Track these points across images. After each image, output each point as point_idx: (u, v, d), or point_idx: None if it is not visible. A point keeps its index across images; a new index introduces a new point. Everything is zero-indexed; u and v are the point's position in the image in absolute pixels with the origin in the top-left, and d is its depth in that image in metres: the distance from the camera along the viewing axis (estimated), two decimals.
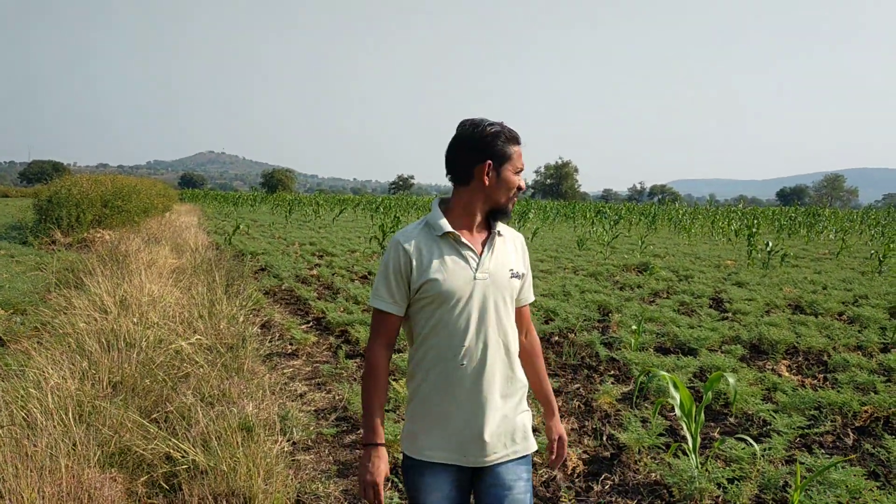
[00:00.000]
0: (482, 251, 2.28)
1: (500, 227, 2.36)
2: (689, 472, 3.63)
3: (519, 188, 2.30)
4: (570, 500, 3.70)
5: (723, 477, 3.65)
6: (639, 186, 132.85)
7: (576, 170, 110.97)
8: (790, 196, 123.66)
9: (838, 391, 5.19)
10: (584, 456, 4.33)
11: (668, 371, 5.66)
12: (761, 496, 3.67)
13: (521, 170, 2.29)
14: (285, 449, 4.20)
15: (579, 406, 5.24)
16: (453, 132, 2.28)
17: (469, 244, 2.26)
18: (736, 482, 3.68)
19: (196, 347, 5.55)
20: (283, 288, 10.65)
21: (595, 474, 4.07)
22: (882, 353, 6.68)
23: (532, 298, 2.47)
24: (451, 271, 2.21)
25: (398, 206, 42.82)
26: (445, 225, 2.26)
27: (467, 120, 2.28)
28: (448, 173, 2.31)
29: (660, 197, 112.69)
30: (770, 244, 14.27)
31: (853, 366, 6.00)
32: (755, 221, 21.13)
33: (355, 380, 5.89)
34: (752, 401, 5.00)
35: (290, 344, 7.14)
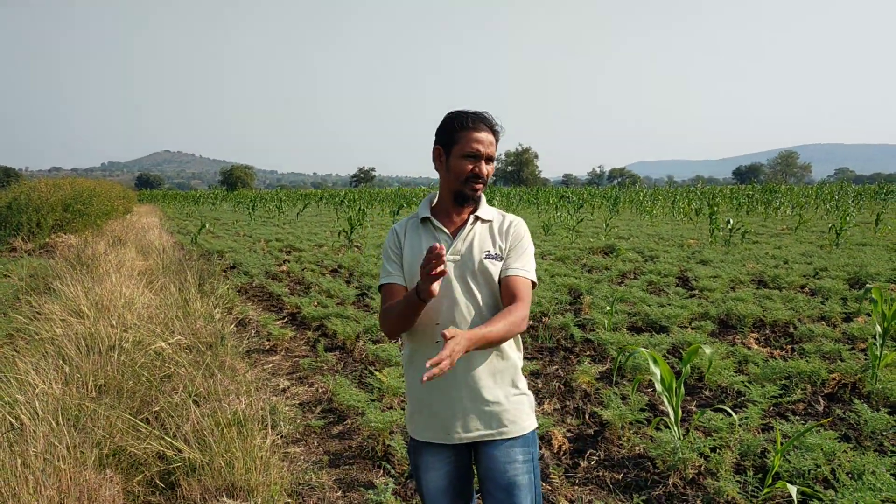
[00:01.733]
0: (456, 233, 2.38)
1: (491, 213, 2.43)
2: (672, 443, 3.76)
3: (476, 174, 2.31)
4: (559, 477, 3.81)
5: (704, 447, 3.79)
6: (598, 170, 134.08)
7: (536, 156, 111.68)
8: (746, 174, 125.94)
9: (807, 360, 5.38)
10: (569, 434, 4.45)
11: (643, 348, 5.80)
12: (742, 463, 3.82)
13: (476, 154, 2.29)
14: (276, 442, 4.24)
15: (559, 387, 5.36)
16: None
17: (443, 228, 2.38)
18: (717, 451, 3.83)
19: (176, 347, 5.55)
20: (254, 285, 10.61)
21: (580, 451, 4.19)
22: (845, 322, 6.92)
23: (522, 272, 2.33)
24: (423, 252, 2.30)
25: (362, 198, 42.70)
26: (423, 211, 2.43)
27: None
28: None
29: (619, 180, 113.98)
30: (731, 222, 14.59)
31: (819, 336, 6.21)
32: (716, 201, 21.57)
33: (337, 372, 5.94)
34: (725, 373, 5.17)
35: (268, 340, 7.15)
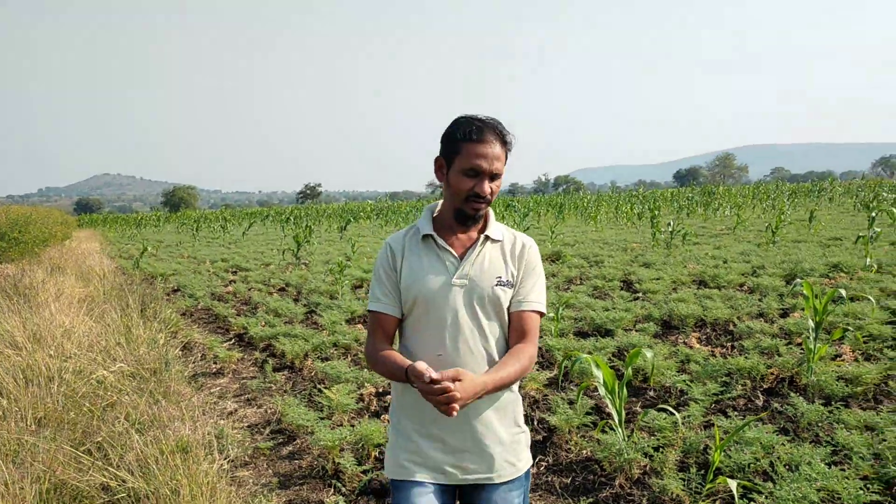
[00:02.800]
0: (464, 255, 2.17)
1: (500, 231, 2.23)
2: (617, 445, 3.83)
3: (477, 194, 2.09)
4: None
5: (648, 446, 3.87)
6: (543, 178, 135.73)
7: None
8: (686, 177, 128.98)
9: (745, 357, 5.54)
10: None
11: (588, 353, 5.89)
12: (685, 460, 3.91)
13: (477, 171, 2.06)
14: (224, 467, 4.19)
15: None
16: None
17: (448, 247, 2.17)
18: (661, 450, 3.92)
19: (119, 375, 5.43)
20: (199, 308, 10.44)
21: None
22: (782, 318, 7.15)
23: (535, 305, 2.18)
24: (426, 274, 2.13)
25: (308, 215, 42.37)
26: (425, 226, 2.19)
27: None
28: None
29: (564, 187, 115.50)
30: (671, 224, 14.93)
31: (757, 332, 6.40)
32: (657, 204, 22.01)
33: (286, 392, 5.89)
34: (668, 373, 5.29)
35: (214, 363, 7.04)
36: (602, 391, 3.82)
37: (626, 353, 6.14)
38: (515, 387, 2.22)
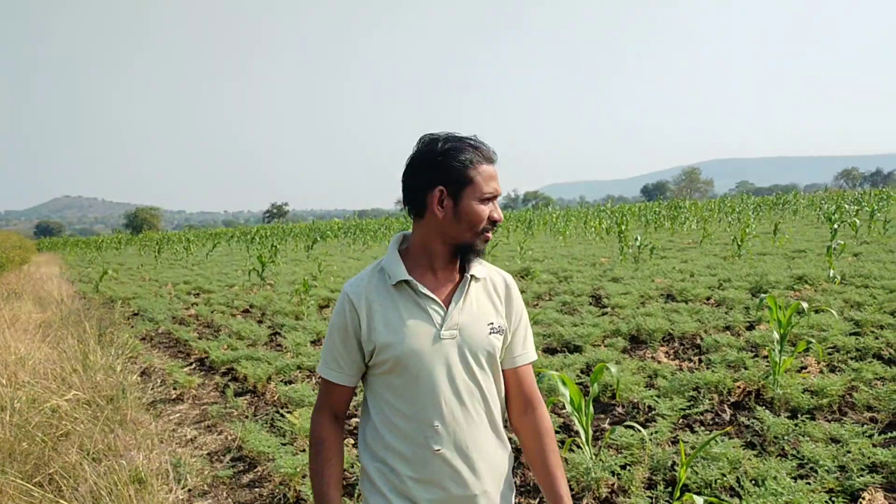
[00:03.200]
0: (449, 301, 1.85)
1: (477, 267, 1.90)
2: (585, 464, 3.77)
3: (492, 221, 1.82)
4: None
5: (616, 464, 3.81)
6: (513, 194, 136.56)
7: None
8: (653, 191, 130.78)
9: (712, 371, 5.53)
10: None
11: (556, 369, 5.84)
12: (653, 478, 3.86)
13: (493, 196, 1.82)
14: (180, 497, 4.04)
15: None
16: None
17: (430, 294, 1.83)
18: (628, 467, 3.86)
19: (74, 403, 5.25)
20: (159, 331, 10.21)
21: None
22: (748, 330, 7.17)
23: (533, 357, 1.97)
24: (409, 330, 1.78)
25: (275, 234, 42.01)
26: (400, 271, 1.83)
27: (427, 134, 1.85)
28: (404, 204, 1.89)
29: (533, 203, 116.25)
30: (639, 239, 15.01)
31: (724, 345, 6.40)
32: (624, 219, 22.18)
33: (247, 417, 5.73)
34: (636, 389, 5.25)
35: (174, 389, 6.86)
36: (569, 408, 3.77)
37: (594, 369, 6.10)
38: (508, 445, 1.95)
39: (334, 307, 1.89)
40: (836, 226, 12.04)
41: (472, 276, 1.86)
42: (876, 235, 16.57)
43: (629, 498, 3.53)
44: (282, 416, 5.52)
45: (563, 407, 5.30)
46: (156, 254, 29.12)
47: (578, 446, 3.99)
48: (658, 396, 5.08)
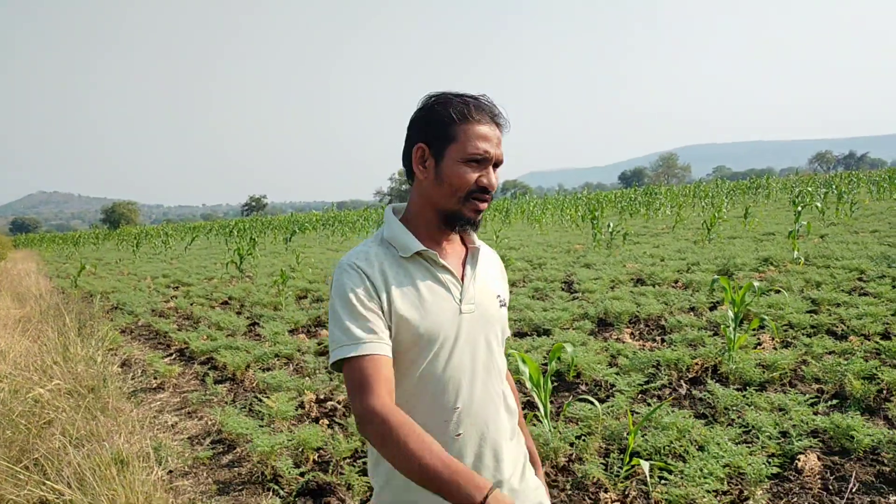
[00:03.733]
0: (463, 273, 1.70)
1: (476, 237, 1.79)
2: (544, 435, 4.00)
3: (481, 187, 1.63)
4: None
5: (572, 435, 4.05)
6: None
7: None
8: (631, 178, 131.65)
9: (672, 349, 5.79)
10: None
11: (526, 351, 6.07)
12: (608, 447, 4.10)
13: (484, 157, 1.61)
14: (162, 477, 4.22)
15: None
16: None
17: (447, 265, 1.67)
18: (583, 438, 4.10)
19: (56, 393, 5.41)
20: (139, 324, 10.34)
21: None
22: (710, 311, 7.45)
23: (508, 332, 1.83)
24: (429, 305, 1.61)
25: (253, 227, 41.97)
26: (412, 241, 1.66)
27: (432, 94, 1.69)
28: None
29: (512, 192, 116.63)
30: (612, 225, 15.31)
31: (685, 325, 6.67)
32: (598, 206, 22.49)
33: (227, 403, 5.92)
34: (598, 368, 5.49)
35: (155, 378, 7.02)
36: (528, 385, 3.99)
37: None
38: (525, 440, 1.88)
39: (333, 285, 1.63)
40: (799, 209, 12.38)
41: (477, 247, 1.75)
42: (843, 217, 17.01)
43: (584, 465, 3.77)
44: (260, 400, 5.70)
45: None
46: (134, 248, 29.05)
47: (539, 420, 4.21)
48: (618, 374, 5.33)
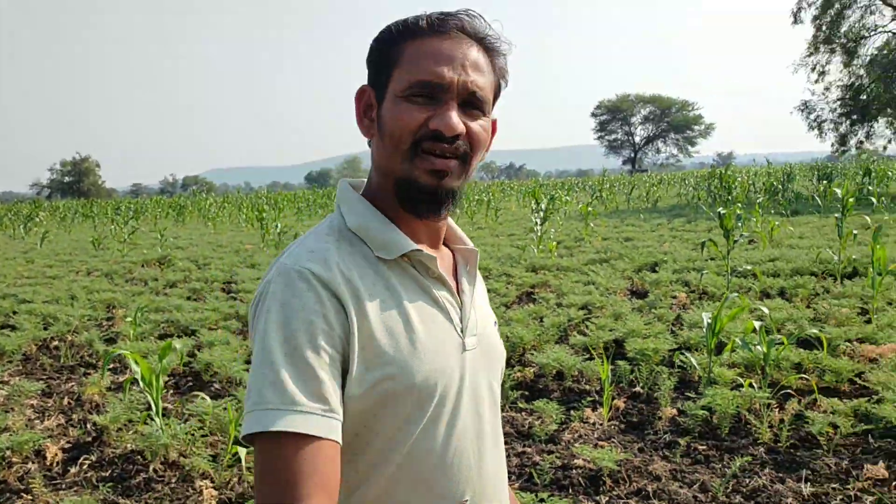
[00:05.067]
0: (459, 288, 1.17)
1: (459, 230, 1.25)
2: (157, 434, 4.10)
3: (437, 134, 1.03)
4: (41, 485, 3.87)
5: (183, 431, 4.18)
6: (171, 179, 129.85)
7: (97, 165, 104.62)
8: (317, 179, 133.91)
9: None
10: (67, 445, 4.50)
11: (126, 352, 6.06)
12: (220, 440, 4.32)
13: (435, 84, 1.02)
14: None
15: (69, 402, 5.34)
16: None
17: (445, 276, 1.13)
18: (194, 433, 4.26)
19: None
20: None
21: (74, 458, 4.29)
22: None
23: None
24: (424, 340, 1.06)
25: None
26: (401, 237, 1.10)
27: None
28: None
29: (194, 188, 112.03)
30: (279, 226, 15.58)
31: None
32: (275, 206, 22.64)
33: None
34: (234, 366, 5.66)
35: None
36: (142, 384, 4.06)
37: (203, 349, 6.40)
38: None
39: (267, 302, 1.00)
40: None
41: (472, 248, 1.22)
42: (490, 222, 19.21)
43: (191, 458, 3.94)
44: None
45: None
46: None
47: (153, 418, 4.28)
48: (246, 370, 5.58)
